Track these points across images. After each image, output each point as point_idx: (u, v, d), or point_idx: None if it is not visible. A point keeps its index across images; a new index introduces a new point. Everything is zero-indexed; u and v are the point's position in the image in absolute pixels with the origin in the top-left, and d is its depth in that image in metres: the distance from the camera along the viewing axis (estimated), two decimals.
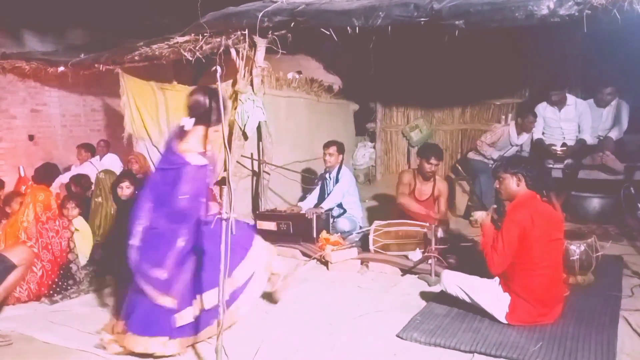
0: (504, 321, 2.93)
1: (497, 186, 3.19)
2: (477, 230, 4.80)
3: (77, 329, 3.10)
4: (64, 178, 6.13)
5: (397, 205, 4.89)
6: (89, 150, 6.52)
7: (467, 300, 3.05)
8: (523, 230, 2.89)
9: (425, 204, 4.77)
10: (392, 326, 2.98)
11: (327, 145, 5.23)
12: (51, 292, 3.67)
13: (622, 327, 2.90)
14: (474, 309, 3.05)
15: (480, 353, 2.63)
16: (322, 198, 5.23)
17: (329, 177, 5.27)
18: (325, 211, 4.90)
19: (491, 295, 2.99)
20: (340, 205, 5.22)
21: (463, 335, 2.82)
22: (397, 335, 2.87)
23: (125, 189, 4.64)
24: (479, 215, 3.31)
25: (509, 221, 2.97)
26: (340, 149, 5.26)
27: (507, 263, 2.95)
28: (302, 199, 5.67)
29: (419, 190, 4.83)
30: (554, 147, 5.65)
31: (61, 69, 6.32)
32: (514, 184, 3.06)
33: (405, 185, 4.88)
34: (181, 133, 2.81)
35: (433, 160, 4.65)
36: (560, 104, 5.74)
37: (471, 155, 6.08)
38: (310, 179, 6.20)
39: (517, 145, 5.83)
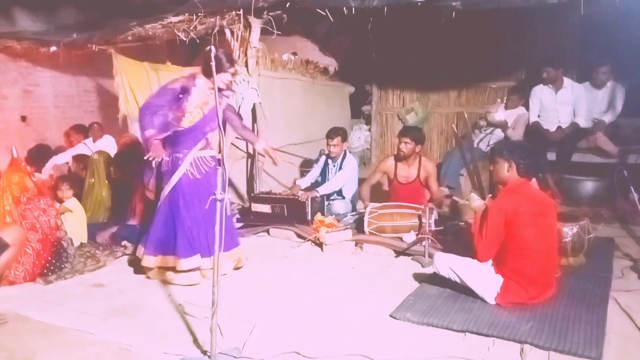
0: (493, 302, 2.96)
1: (491, 169, 3.22)
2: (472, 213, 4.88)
3: (72, 308, 3.12)
4: (58, 159, 6.09)
5: (389, 188, 4.96)
6: (80, 131, 6.47)
7: (458, 281, 3.07)
8: (506, 217, 2.92)
9: (411, 187, 4.79)
10: (386, 306, 3.01)
11: (330, 136, 5.11)
12: (45, 271, 3.67)
13: (612, 307, 2.94)
14: (466, 290, 3.08)
15: (472, 332, 2.67)
16: (323, 181, 5.20)
17: (333, 163, 5.22)
18: (321, 195, 4.91)
19: (482, 277, 3.01)
20: (337, 190, 5.21)
21: (455, 315, 2.85)
22: (391, 315, 2.90)
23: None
24: (476, 202, 3.32)
25: (492, 208, 3.00)
26: (344, 136, 5.21)
27: (493, 250, 2.98)
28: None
29: (400, 174, 4.84)
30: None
31: (53, 48, 6.24)
32: (505, 170, 3.09)
33: (377, 174, 4.95)
34: None
35: (406, 139, 4.68)
36: (555, 84, 5.73)
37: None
38: (309, 162, 6.18)
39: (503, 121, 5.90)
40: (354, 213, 5.02)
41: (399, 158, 4.81)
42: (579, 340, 2.53)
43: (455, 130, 6.16)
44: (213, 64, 2.82)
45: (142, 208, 4.62)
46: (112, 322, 2.92)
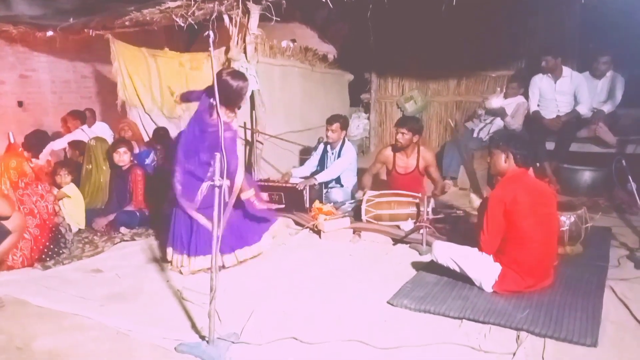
0: (490, 290, 2.98)
1: (488, 160, 3.22)
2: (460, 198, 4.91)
3: (71, 293, 3.13)
4: (55, 145, 6.06)
5: (388, 178, 4.95)
6: (77, 117, 6.43)
7: (457, 270, 3.09)
8: (505, 207, 2.92)
9: (410, 177, 4.78)
10: (383, 293, 3.02)
11: (330, 122, 5.09)
12: (43, 256, 3.67)
13: (608, 296, 2.96)
14: (463, 278, 3.09)
15: (468, 319, 2.68)
16: (322, 170, 5.17)
17: (332, 151, 5.21)
18: (319, 183, 4.90)
19: (481, 265, 3.02)
20: (336, 179, 5.20)
21: (452, 302, 2.86)
22: (388, 302, 2.92)
23: (123, 155, 4.66)
24: (476, 203, 3.35)
25: (491, 199, 3.01)
26: (344, 124, 5.17)
27: (496, 241, 2.98)
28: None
29: (399, 164, 4.83)
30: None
31: (50, 33, 6.18)
32: (502, 161, 3.09)
33: (377, 164, 4.94)
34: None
35: (402, 130, 4.65)
36: (554, 73, 5.71)
37: (468, 124, 6.16)
38: (307, 150, 6.17)
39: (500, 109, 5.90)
40: (352, 201, 5.01)
41: (397, 148, 4.79)
42: (575, 327, 2.55)
43: (452, 123, 6.17)
44: (212, 49, 2.82)
45: (140, 194, 4.62)
46: (111, 308, 2.93)
